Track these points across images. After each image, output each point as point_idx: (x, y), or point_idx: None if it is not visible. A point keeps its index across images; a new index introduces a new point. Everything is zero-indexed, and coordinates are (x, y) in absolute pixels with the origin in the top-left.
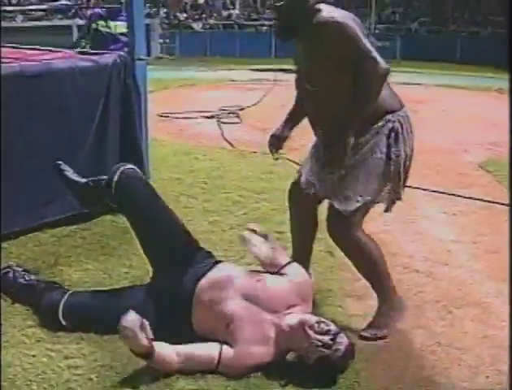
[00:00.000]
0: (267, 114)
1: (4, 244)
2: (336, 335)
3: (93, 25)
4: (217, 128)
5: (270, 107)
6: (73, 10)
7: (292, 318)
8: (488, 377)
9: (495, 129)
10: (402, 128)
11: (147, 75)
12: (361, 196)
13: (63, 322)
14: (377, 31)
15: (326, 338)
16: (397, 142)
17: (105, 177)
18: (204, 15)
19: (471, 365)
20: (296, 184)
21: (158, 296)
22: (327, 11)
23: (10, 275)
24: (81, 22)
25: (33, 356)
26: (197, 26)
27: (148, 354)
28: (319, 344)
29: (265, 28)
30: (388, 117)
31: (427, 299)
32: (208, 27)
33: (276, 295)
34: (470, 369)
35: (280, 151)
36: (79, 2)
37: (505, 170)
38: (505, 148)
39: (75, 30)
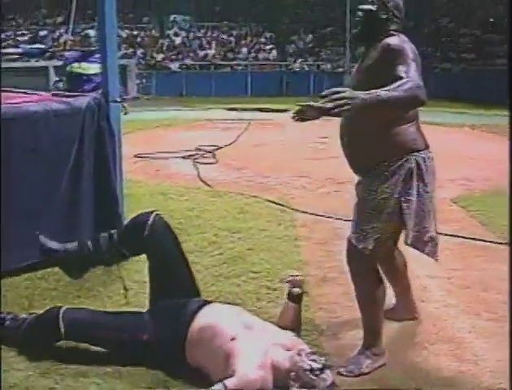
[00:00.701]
0: (243, 153)
1: None
2: (325, 367)
3: (68, 67)
4: (193, 168)
5: (245, 147)
6: (49, 53)
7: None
8: None
9: (467, 164)
10: (420, 169)
11: (121, 116)
12: (378, 234)
13: (62, 330)
14: (352, 69)
15: (316, 365)
16: (411, 182)
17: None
18: (180, 56)
19: None
20: None
21: (158, 332)
22: (399, 38)
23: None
24: (58, 63)
25: None
26: (174, 66)
27: None
28: (308, 367)
29: (240, 67)
30: (408, 156)
31: (402, 334)
32: (184, 67)
33: (269, 328)
34: None
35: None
36: (55, 44)
37: (478, 204)
38: (477, 182)
39: (51, 71)
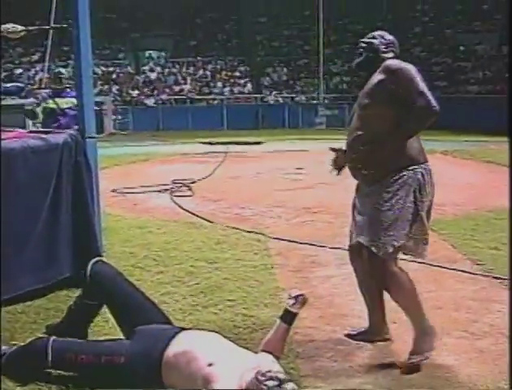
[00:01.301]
0: (219, 186)
1: None
2: (281, 381)
3: (42, 104)
4: (170, 202)
5: (221, 179)
6: (24, 93)
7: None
8: None
9: (440, 189)
10: (425, 180)
11: (98, 152)
12: (395, 241)
13: (50, 358)
14: (326, 100)
15: (271, 383)
16: (421, 192)
17: None
18: (156, 91)
19: None
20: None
21: (135, 356)
22: (397, 60)
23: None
24: (34, 101)
25: None
26: (150, 102)
27: None
28: (265, 388)
29: (216, 101)
30: (414, 167)
31: (375, 356)
32: (160, 102)
33: (243, 353)
34: None
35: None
36: (31, 82)
37: (450, 228)
38: (449, 207)
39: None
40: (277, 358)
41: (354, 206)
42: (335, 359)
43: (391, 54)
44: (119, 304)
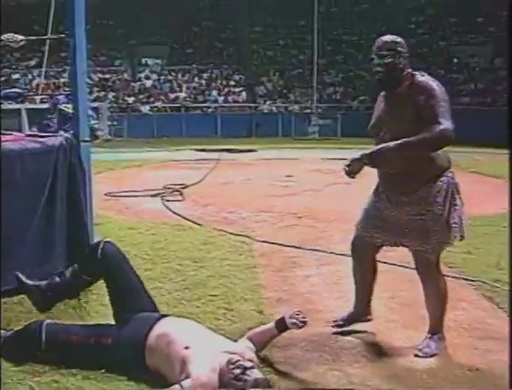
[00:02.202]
0: (209, 191)
1: None
2: (245, 369)
3: (58, 107)
4: (161, 205)
5: (212, 185)
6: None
7: (224, 356)
8: None
9: None
10: (456, 183)
11: (91, 155)
12: (441, 241)
13: (43, 340)
14: (319, 110)
15: (237, 371)
16: (454, 194)
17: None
18: (152, 98)
19: None
20: (358, 238)
21: (121, 338)
22: (425, 77)
23: None
24: (30, 106)
25: None
26: (145, 109)
27: None
28: (232, 376)
29: (210, 109)
30: (448, 174)
31: (345, 346)
32: (155, 109)
33: (218, 337)
34: None
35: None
36: (27, 87)
37: None
38: None
39: (23, 113)
40: (255, 350)
41: (378, 211)
42: (307, 349)
43: (408, 65)
44: (119, 286)
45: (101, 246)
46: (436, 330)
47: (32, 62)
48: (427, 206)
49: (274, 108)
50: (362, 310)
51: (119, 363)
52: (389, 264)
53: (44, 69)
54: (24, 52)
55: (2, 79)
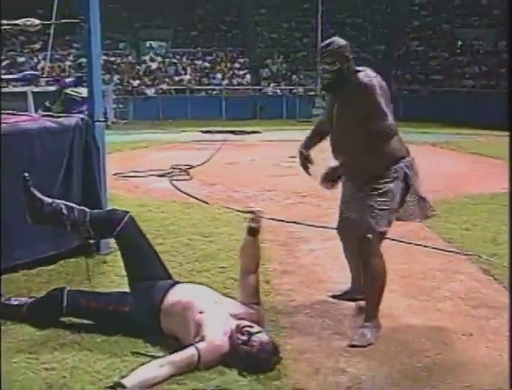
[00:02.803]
0: (215, 171)
1: None
2: (251, 334)
3: (64, 91)
4: (169, 185)
5: (218, 165)
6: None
7: (234, 320)
8: (391, 367)
9: (425, 178)
10: (411, 170)
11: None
12: (387, 221)
13: (64, 304)
14: (323, 92)
15: (243, 337)
16: (407, 180)
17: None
18: (156, 81)
19: (378, 359)
20: (339, 222)
21: (138, 305)
22: (364, 74)
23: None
24: (36, 89)
25: (15, 362)
26: (150, 91)
27: None
28: (240, 341)
29: (215, 92)
30: (401, 162)
31: (346, 313)
32: (161, 92)
33: (231, 302)
34: (376, 362)
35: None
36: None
37: None
38: (431, 193)
39: (29, 96)
40: (258, 304)
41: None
42: (311, 315)
43: (353, 64)
44: (137, 256)
45: (125, 220)
46: (370, 317)
47: (37, 46)
48: (381, 189)
49: (278, 90)
50: (358, 287)
51: (135, 328)
52: (390, 239)
53: (49, 52)
54: (29, 35)
55: (7, 62)
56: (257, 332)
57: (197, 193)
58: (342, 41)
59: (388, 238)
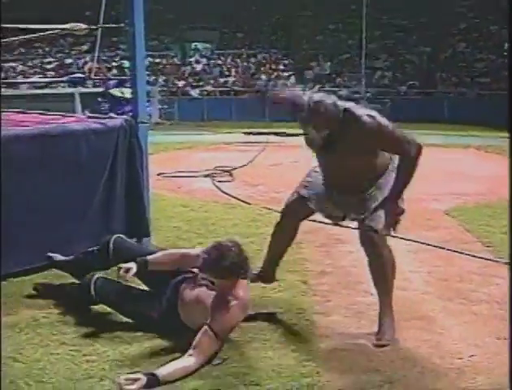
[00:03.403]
0: (258, 172)
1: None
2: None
3: (109, 92)
4: (211, 185)
5: (261, 167)
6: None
7: None
8: (423, 367)
9: (468, 181)
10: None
11: (148, 136)
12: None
13: (93, 293)
14: (368, 95)
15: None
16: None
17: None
18: (201, 82)
19: (410, 359)
20: (295, 201)
21: (162, 309)
22: (361, 113)
23: None
24: (84, 90)
25: (58, 354)
26: (195, 92)
27: None
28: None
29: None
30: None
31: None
32: (205, 93)
33: None
34: (408, 362)
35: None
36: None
37: (468, 214)
38: (472, 196)
39: (77, 97)
40: None
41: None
42: (346, 315)
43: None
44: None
45: (111, 242)
46: (388, 311)
47: (85, 47)
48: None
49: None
50: (272, 273)
51: (161, 328)
52: (427, 244)
53: (96, 54)
54: (78, 37)
55: (56, 63)
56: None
57: (240, 194)
58: (314, 97)
59: (423, 243)
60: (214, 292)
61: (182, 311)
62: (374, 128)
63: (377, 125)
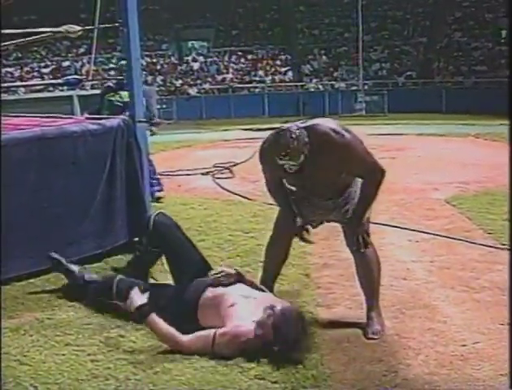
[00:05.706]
0: (257, 168)
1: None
2: (273, 307)
3: (106, 97)
4: (211, 182)
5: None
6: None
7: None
8: (427, 356)
9: (467, 169)
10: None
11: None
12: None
13: (114, 291)
14: (366, 87)
15: (268, 311)
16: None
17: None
18: (199, 81)
19: (414, 348)
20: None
21: (178, 296)
22: (334, 132)
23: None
24: (82, 92)
25: (63, 355)
26: (193, 91)
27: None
28: (265, 316)
29: (257, 89)
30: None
31: (384, 304)
32: (203, 91)
33: (267, 296)
34: (412, 351)
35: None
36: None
37: (468, 202)
38: (472, 184)
39: (75, 100)
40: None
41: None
42: (349, 307)
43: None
44: (174, 250)
45: (152, 220)
46: (374, 303)
47: (82, 50)
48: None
49: (320, 86)
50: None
51: (178, 326)
52: (430, 233)
53: (93, 56)
54: (74, 40)
55: (53, 66)
56: (283, 322)
57: (240, 190)
58: (284, 132)
59: (426, 232)
60: (235, 303)
61: (201, 312)
62: (343, 143)
63: (347, 140)
